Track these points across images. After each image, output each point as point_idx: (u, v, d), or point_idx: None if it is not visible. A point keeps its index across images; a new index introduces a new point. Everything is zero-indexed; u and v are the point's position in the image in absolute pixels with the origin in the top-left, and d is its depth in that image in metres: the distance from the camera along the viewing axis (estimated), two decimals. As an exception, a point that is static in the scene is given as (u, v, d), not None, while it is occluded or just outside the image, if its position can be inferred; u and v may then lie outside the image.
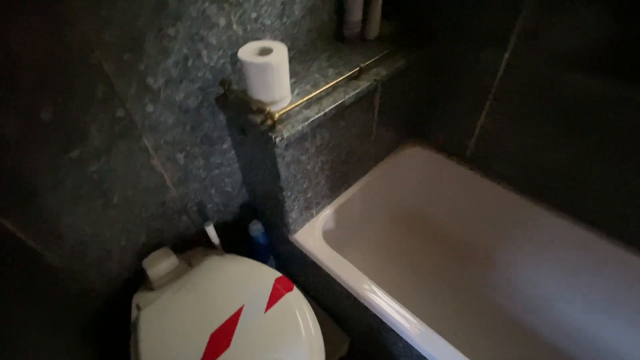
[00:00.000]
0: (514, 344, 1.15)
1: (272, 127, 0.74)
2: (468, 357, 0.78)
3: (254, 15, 0.79)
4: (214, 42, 0.76)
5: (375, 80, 0.89)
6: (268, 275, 0.91)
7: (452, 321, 1.20)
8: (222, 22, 0.75)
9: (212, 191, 1.01)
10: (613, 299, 1.05)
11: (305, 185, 0.94)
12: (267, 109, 0.72)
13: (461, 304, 1.25)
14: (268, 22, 0.83)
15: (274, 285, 0.88)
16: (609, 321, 1.08)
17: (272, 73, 0.72)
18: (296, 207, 0.96)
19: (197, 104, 0.81)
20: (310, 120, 0.77)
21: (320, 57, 0.96)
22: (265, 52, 0.73)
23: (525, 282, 1.24)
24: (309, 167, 0.90)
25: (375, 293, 0.91)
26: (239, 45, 0.81)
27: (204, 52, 0.75)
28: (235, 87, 0.85)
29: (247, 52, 0.72)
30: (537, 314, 1.20)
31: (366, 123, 1.01)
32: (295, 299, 0.86)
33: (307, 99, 0.78)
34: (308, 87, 0.85)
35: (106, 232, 0.81)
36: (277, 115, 0.72)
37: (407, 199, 1.46)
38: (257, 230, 1.08)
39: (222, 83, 0.82)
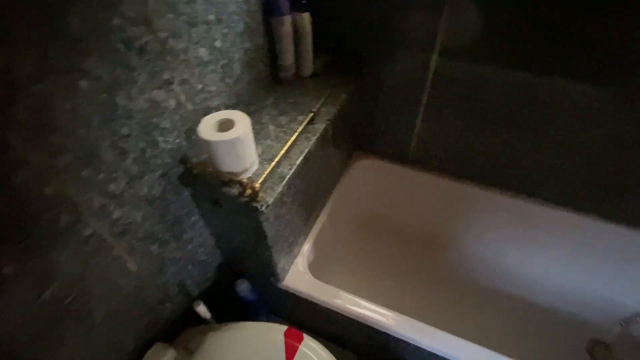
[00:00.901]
0: (488, 307, 1.34)
1: (254, 197, 0.73)
2: (464, 334, 0.91)
3: (199, 86, 0.76)
4: (168, 125, 0.71)
5: (328, 120, 0.93)
6: (275, 333, 0.91)
7: (439, 306, 1.34)
8: (172, 103, 0.71)
9: (189, 267, 0.95)
10: (550, 247, 1.29)
11: (287, 234, 0.94)
12: (244, 180, 0.72)
13: (442, 288, 1.40)
14: (213, 88, 0.81)
15: (285, 341, 0.88)
16: (549, 262, 1.33)
17: (242, 145, 0.71)
18: (282, 256, 0.97)
19: (161, 190, 0.76)
20: (287, 178, 0.78)
21: (266, 105, 0.97)
22: (227, 124, 0.71)
23: (486, 255, 1.44)
24: (288, 216, 0.91)
25: (376, 312, 0.98)
26: (192, 120, 0.77)
27: (160, 139, 0.71)
28: (195, 159, 0.81)
29: (209, 130, 0.69)
30: (501, 277, 1.41)
31: (325, 155, 1.05)
32: (310, 348, 0.88)
33: (278, 159, 0.79)
34: (269, 141, 0.86)
35: (94, 354, 0.72)
36: (257, 185, 0.72)
37: (368, 206, 1.56)
38: (244, 290, 1.05)
39: (183, 161, 0.78)
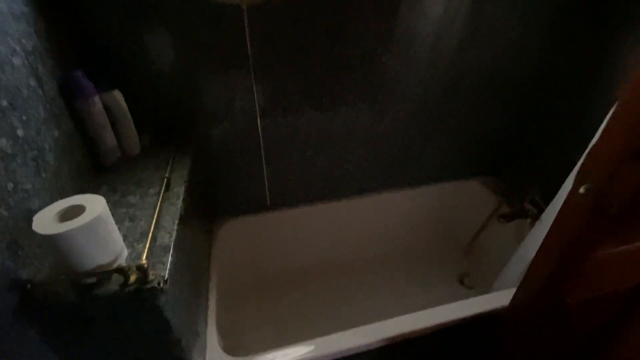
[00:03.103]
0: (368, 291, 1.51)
1: (144, 279, 0.60)
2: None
3: (10, 185, 0.59)
4: (-21, 242, 0.51)
5: (185, 181, 0.89)
6: None
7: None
8: (-21, 213, 0.52)
9: None
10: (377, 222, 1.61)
11: (190, 319, 0.80)
12: (122, 265, 0.59)
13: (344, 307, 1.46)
14: (29, 186, 0.64)
15: None
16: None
17: (105, 226, 0.59)
18: (193, 348, 0.80)
19: (-9, 339, 0.51)
20: (172, 245, 0.69)
21: (102, 193, 0.83)
22: (73, 212, 0.58)
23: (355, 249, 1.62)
24: (183, 297, 0.77)
25: (307, 345, 0.93)
26: (12, 230, 0.58)
27: (-29, 264, 0.49)
28: (36, 275, 0.59)
29: (52, 224, 0.54)
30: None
31: (191, 226, 0.97)
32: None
33: (152, 231, 0.69)
34: (127, 223, 0.74)
35: None
36: (144, 261, 0.60)
37: (251, 263, 1.49)
38: None
39: (15, 286, 0.56)
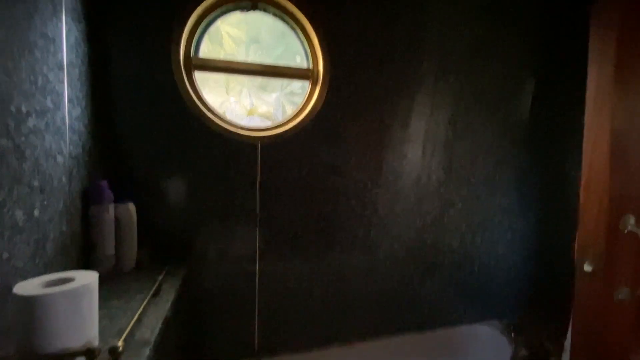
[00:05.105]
0: None
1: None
2: None
3: (5, 255, 0.57)
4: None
5: (176, 289, 0.83)
6: None
7: None
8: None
9: None
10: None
11: None
12: (92, 347, 0.50)
13: None
14: (20, 264, 0.61)
15: None
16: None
17: (90, 300, 0.54)
18: None
19: None
20: (153, 342, 0.59)
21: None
22: (60, 281, 0.55)
23: None
24: None
25: None
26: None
27: None
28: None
29: (35, 288, 0.51)
30: None
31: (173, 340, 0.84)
32: None
33: (132, 326, 0.61)
34: (105, 322, 0.66)
35: None
36: (120, 344, 0.51)
37: None
38: None
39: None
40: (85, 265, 0.87)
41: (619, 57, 0.62)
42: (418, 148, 1.36)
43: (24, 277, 0.62)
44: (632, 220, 0.56)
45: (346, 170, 1.28)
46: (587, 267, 0.59)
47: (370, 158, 1.31)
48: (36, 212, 0.67)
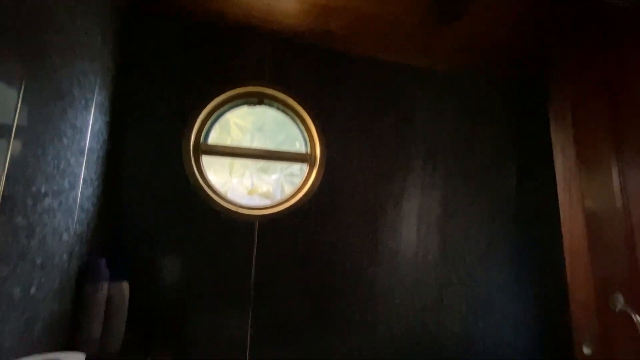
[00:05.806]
0: None
1: None
2: None
3: (-6, 332, 0.57)
4: None
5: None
6: None
7: None
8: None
9: None
10: None
11: None
12: None
13: None
14: (7, 345, 0.60)
15: None
16: None
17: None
18: None
19: None
20: None
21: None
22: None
23: None
24: None
25: None
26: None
27: None
28: None
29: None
30: None
31: None
32: None
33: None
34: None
35: None
36: None
37: None
38: None
39: None
40: (70, 345, 0.83)
41: (577, 142, 0.69)
42: (412, 227, 1.40)
43: (7, 356, 0.60)
44: (621, 299, 0.57)
45: (342, 249, 1.30)
46: (586, 350, 0.58)
47: (365, 237, 1.33)
48: (33, 289, 0.67)
